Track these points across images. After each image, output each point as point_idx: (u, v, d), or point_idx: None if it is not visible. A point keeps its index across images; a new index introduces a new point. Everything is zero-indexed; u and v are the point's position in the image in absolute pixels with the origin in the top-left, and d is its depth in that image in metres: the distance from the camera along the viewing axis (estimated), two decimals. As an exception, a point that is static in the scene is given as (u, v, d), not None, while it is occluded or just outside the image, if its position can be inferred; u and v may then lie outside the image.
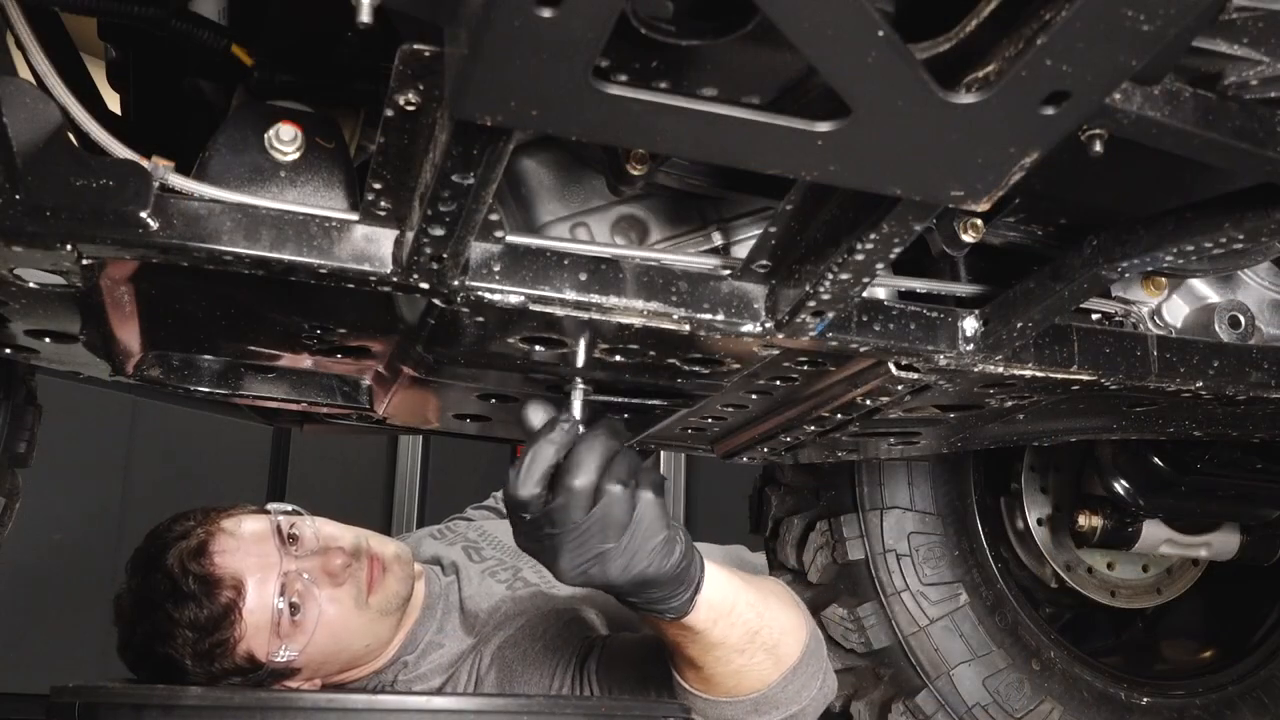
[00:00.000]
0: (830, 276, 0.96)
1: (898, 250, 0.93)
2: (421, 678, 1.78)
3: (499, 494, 2.41)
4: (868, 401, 1.26)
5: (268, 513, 1.69)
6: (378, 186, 0.90)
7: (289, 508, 1.71)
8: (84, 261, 0.94)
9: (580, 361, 1.15)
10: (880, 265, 0.94)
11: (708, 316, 1.04)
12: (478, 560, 2.00)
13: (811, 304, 1.00)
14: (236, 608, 1.55)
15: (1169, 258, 0.99)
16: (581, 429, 1.17)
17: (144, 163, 0.91)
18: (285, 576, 1.59)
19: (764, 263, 1.03)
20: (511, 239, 1.00)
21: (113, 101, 1.35)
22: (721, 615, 1.39)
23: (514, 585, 1.91)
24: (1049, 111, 0.69)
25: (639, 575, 1.21)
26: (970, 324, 1.13)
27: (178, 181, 0.92)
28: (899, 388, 1.20)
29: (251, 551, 1.60)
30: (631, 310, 1.02)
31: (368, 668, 1.76)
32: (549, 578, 1.82)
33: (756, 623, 1.44)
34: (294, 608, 1.58)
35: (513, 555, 1.99)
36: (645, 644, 1.65)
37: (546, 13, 0.60)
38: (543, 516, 1.16)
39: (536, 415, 1.19)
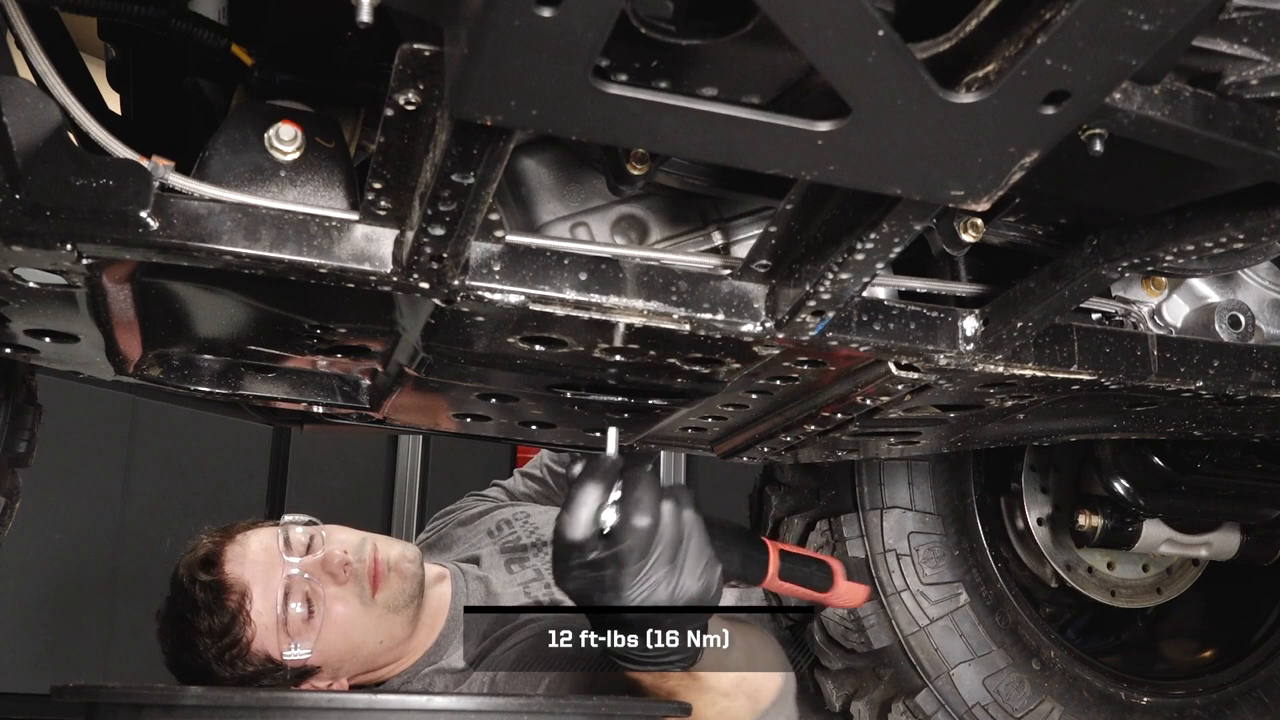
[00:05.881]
0: (830, 276, 0.96)
1: (898, 250, 0.93)
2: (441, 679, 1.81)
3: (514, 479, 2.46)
4: (868, 401, 1.26)
5: (313, 524, 1.76)
6: (378, 186, 0.90)
7: (305, 519, 1.76)
8: (84, 261, 0.94)
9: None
10: (880, 265, 0.94)
11: (708, 316, 1.04)
12: (515, 572, 2.04)
13: (811, 304, 1.00)
14: (244, 611, 1.62)
15: (1169, 257, 0.98)
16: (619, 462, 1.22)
17: (144, 162, 0.91)
18: (289, 579, 1.65)
19: (764, 262, 1.03)
20: (511, 238, 1.00)
21: (113, 101, 1.35)
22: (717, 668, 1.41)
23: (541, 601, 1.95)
24: (1049, 111, 0.69)
25: (687, 596, 1.23)
26: (970, 323, 1.13)
27: (178, 181, 0.91)
28: (899, 387, 1.20)
29: (258, 559, 1.66)
30: (631, 310, 1.02)
31: (396, 666, 1.79)
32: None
33: (747, 667, 1.46)
34: (302, 607, 1.64)
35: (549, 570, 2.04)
36: None
37: (546, 12, 0.60)
38: (607, 558, 1.20)
39: (577, 465, 1.24)
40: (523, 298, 1.00)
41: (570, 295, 1.00)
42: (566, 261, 1.01)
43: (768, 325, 1.05)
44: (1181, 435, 1.48)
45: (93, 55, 1.33)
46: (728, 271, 1.06)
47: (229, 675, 1.65)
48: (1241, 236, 0.93)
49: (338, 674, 1.72)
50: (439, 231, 0.89)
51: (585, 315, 1.02)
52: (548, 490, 2.42)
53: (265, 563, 1.68)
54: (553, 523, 2.14)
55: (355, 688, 1.76)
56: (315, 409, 1.38)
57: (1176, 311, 1.32)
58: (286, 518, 1.77)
